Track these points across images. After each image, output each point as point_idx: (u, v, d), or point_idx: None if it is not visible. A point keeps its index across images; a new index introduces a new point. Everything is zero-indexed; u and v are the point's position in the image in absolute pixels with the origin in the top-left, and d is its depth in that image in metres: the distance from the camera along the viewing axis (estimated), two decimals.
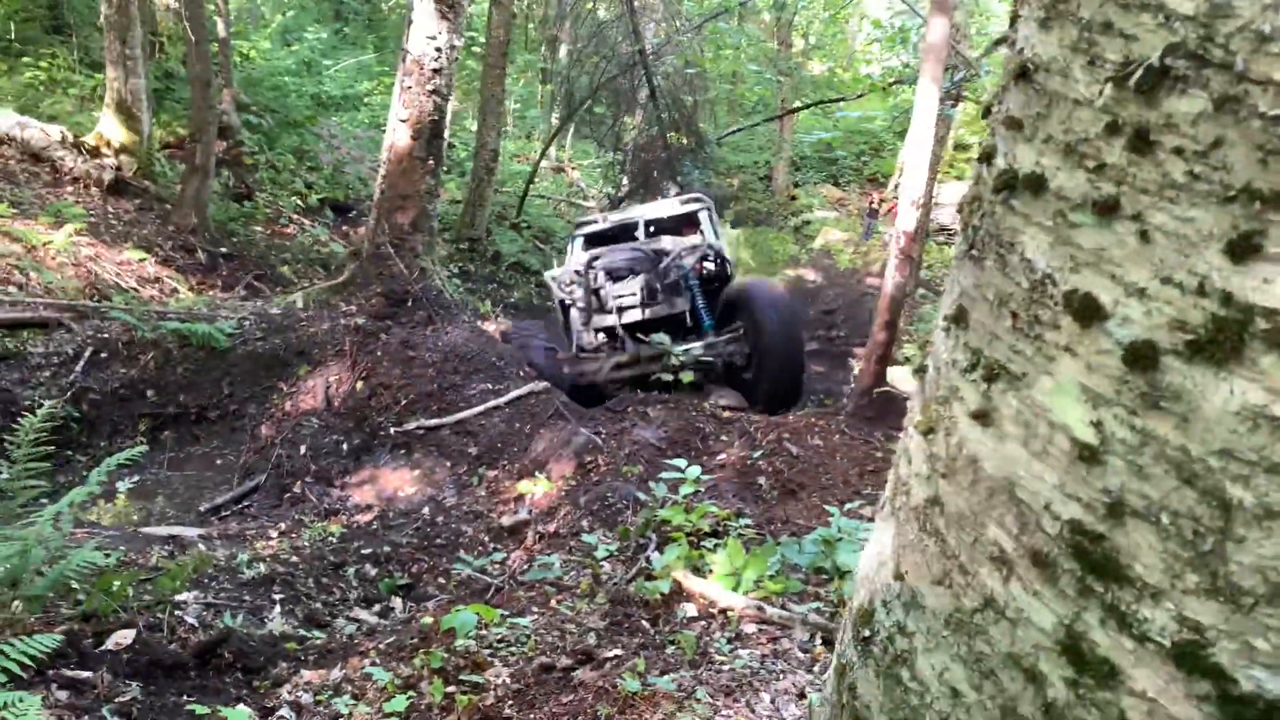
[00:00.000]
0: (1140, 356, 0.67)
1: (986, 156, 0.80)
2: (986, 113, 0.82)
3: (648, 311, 8.57)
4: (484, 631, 4.21)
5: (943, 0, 6.54)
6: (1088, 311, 0.69)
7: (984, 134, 0.82)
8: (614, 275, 8.54)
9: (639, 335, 8.70)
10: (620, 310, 8.50)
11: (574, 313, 8.88)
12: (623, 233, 10.18)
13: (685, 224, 10.39)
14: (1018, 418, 0.75)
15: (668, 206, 10.39)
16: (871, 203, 18.48)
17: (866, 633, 0.90)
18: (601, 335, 8.95)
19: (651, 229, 10.07)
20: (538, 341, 8.31)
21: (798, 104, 17.60)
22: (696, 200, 10.38)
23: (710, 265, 8.86)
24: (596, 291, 8.55)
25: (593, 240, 10.08)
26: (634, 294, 8.45)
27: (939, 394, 0.83)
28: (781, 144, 18.55)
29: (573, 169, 17.31)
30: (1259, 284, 0.61)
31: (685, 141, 14.46)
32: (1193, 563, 0.66)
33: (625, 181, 15.30)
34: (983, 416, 0.77)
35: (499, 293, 13.04)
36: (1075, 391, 0.71)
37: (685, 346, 8.25)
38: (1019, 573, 0.74)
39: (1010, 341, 0.75)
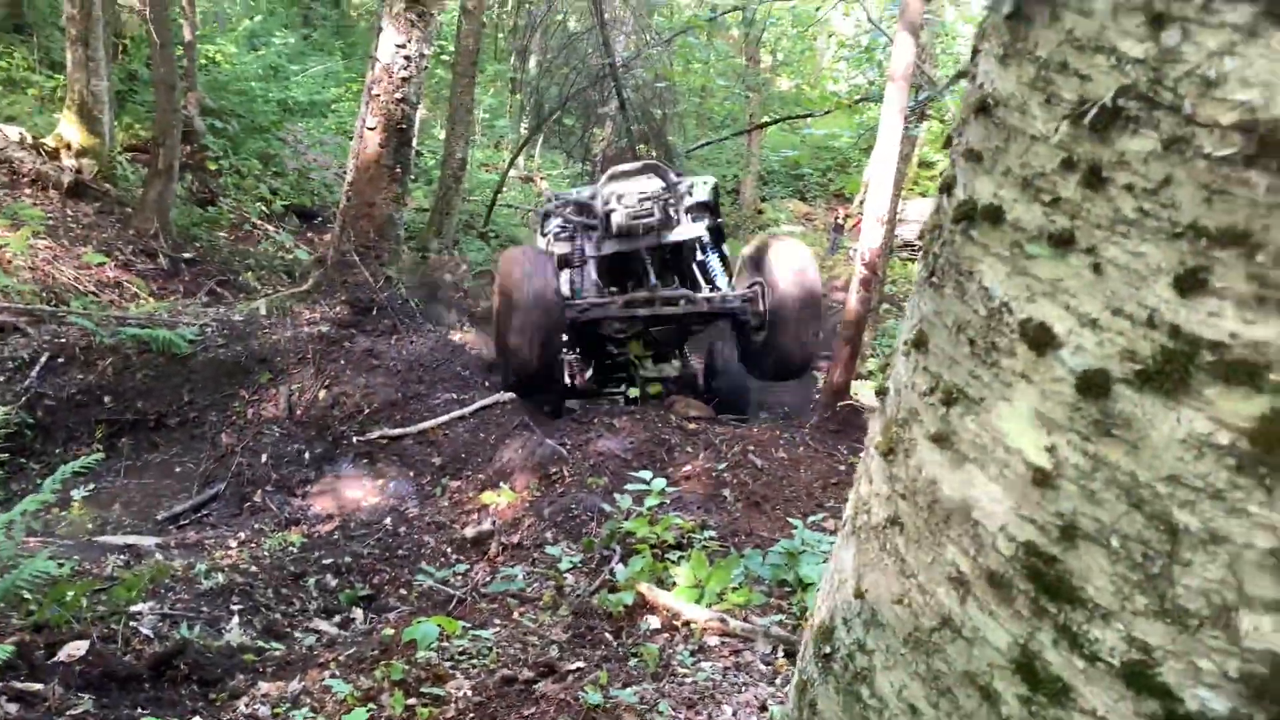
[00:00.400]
0: (1092, 385, 0.69)
1: (947, 187, 0.82)
2: (948, 143, 0.84)
3: (666, 234, 7.91)
4: (445, 643, 4.19)
5: (910, 20, 6.64)
6: (1042, 340, 0.72)
7: (946, 160, 0.84)
8: (623, 195, 7.79)
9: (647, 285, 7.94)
10: (640, 224, 7.73)
11: (576, 246, 8.27)
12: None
13: None
14: (975, 442, 0.77)
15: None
16: (837, 218, 18.65)
17: (827, 650, 0.92)
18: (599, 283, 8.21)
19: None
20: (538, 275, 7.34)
21: (765, 119, 17.74)
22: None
23: (709, 202, 8.39)
24: (608, 215, 7.77)
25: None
26: (650, 208, 7.71)
27: (899, 416, 0.85)
28: (749, 158, 18.68)
29: (541, 179, 17.31)
30: (1205, 317, 0.64)
31: (654, 154, 14.52)
32: (1141, 585, 0.68)
33: None
34: (941, 440, 0.80)
35: (464, 302, 12.97)
36: (1030, 417, 0.73)
37: (703, 295, 7.78)
38: (975, 593, 0.76)
39: (969, 367, 0.77)
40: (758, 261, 7.87)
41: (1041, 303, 0.72)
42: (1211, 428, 0.64)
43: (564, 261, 8.43)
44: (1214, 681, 0.65)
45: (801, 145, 17.10)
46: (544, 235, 9.43)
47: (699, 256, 8.46)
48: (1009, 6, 0.75)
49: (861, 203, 18.73)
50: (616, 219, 7.67)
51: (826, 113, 14.19)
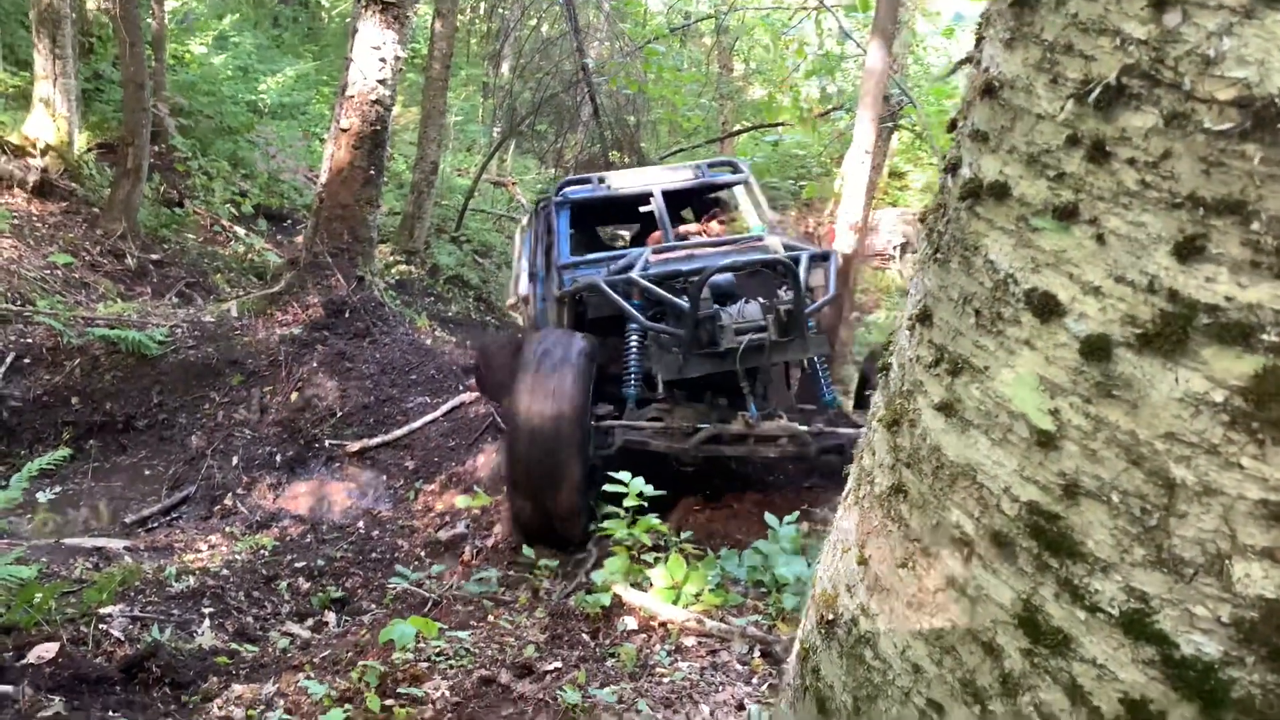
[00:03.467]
0: (1095, 349, 0.73)
1: (952, 167, 0.86)
2: (952, 126, 0.88)
3: (786, 355, 5.75)
4: (422, 645, 4.17)
5: (884, 28, 6.73)
6: (1047, 308, 0.75)
7: (946, 147, 0.88)
8: (722, 294, 5.64)
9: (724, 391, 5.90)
10: (743, 342, 5.37)
11: (631, 340, 5.78)
12: (624, 205, 7.61)
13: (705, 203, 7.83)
14: (980, 408, 0.81)
15: (686, 175, 7.35)
16: (807, 228, 18.79)
17: (830, 616, 0.95)
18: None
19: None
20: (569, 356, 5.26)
21: (736, 128, 17.85)
22: (730, 168, 7.60)
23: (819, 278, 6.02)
24: (710, 318, 5.44)
25: (581, 213, 7.42)
26: (759, 319, 5.46)
27: (903, 388, 0.89)
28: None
29: (513, 184, 17.30)
30: (1202, 282, 0.68)
31: (627, 160, 14.56)
32: (1139, 537, 0.72)
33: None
34: (946, 408, 0.83)
35: (436, 306, 12.94)
36: (1034, 382, 0.77)
37: (812, 429, 5.58)
38: (979, 552, 0.80)
39: (974, 337, 0.81)
40: (869, 380, 5.96)
41: (1046, 273, 0.76)
42: (1207, 386, 0.68)
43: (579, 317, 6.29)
44: (1208, 627, 0.69)
45: (773, 153, 17.20)
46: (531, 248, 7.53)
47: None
48: None
49: (832, 211, 18.90)
50: (725, 340, 5.40)
51: (781, 124, 14.30)
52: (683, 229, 7.34)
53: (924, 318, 0.87)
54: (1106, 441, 0.74)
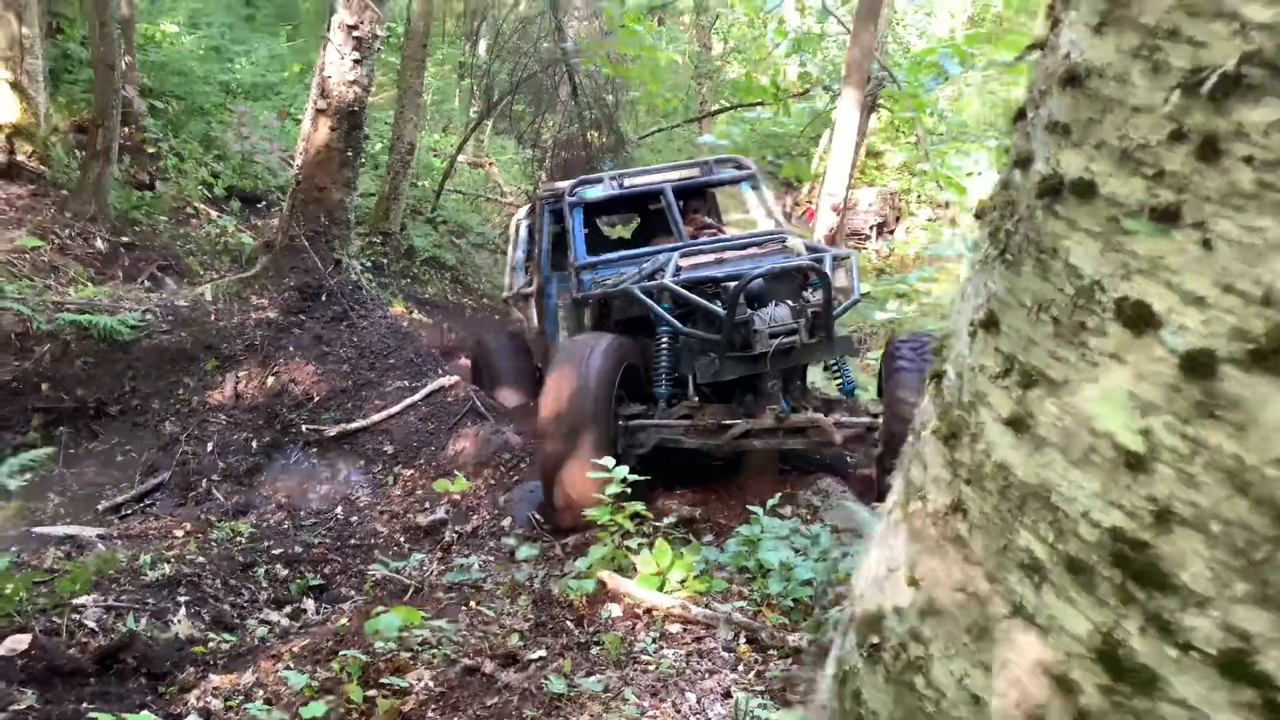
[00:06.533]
0: (1196, 365, 0.67)
1: (1022, 161, 0.79)
2: (1020, 116, 0.81)
3: (805, 355, 5.96)
4: (405, 633, 4.11)
5: (870, 8, 6.67)
6: (1140, 319, 0.69)
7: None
8: (753, 297, 5.73)
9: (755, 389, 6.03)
10: (775, 345, 5.60)
11: (662, 343, 5.96)
12: (636, 205, 7.80)
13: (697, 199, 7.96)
14: (1056, 425, 0.74)
15: (694, 172, 7.50)
16: (785, 207, 18.77)
17: (875, 639, 0.89)
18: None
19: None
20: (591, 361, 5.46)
21: (714, 107, 17.76)
22: (738, 165, 7.70)
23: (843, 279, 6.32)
24: (745, 322, 5.62)
25: (595, 213, 7.49)
26: (790, 322, 5.67)
27: (963, 399, 0.83)
28: (696, 146, 18.69)
29: (490, 164, 17.12)
30: None
31: (605, 140, 14.44)
32: (1242, 571, 0.66)
33: (543, 178, 15.19)
34: (1016, 423, 0.77)
35: (413, 288, 12.80)
36: (1122, 399, 0.71)
37: (835, 418, 5.83)
38: (1052, 579, 0.74)
39: (1050, 348, 0.75)
40: (887, 368, 6.09)
41: (1139, 280, 0.70)
42: None
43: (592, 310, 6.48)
44: None
45: (751, 133, 17.14)
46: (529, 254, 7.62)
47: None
48: None
49: (811, 190, 18.89)
50: (759, 344, 5.60)
51: (759, 104, 14.21)
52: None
53: (989, 324, 0.81)
54: (1206, 466, 0.68)
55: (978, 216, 0.84)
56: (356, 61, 7.76)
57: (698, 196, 7.90)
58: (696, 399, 5.99)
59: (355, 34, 7.71)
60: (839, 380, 6.44)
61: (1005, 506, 0.78)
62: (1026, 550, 0.77)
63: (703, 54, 18.63)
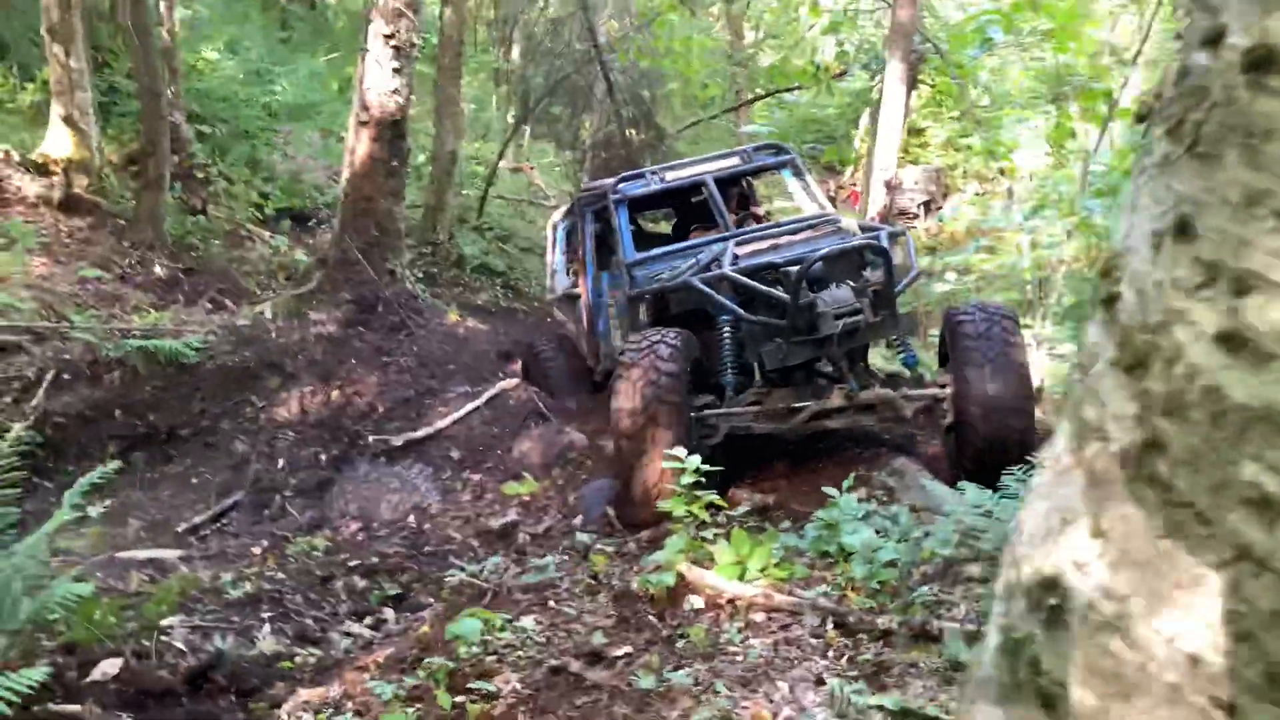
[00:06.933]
0: None
1: (1210, 39, 0.71)
2: None
3: (869, 334, 6.02)
4: (488, 638, 4.09)
5: None
6: None
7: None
8: (814, 280, 5.72)
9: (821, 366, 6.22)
10: (841, 326, 5.57)
11: (725, 332, 5.98)
12: (676, 197, 7.80)
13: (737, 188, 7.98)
14: None
15: (734, 162, 7.53)
16: (828, 191, 18.56)
17: (1054, 601, 0.81)
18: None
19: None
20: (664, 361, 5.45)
21: (749, 96, 17.60)
22: (776, 151, 7.74)
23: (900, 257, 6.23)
24: (809, 305, 5.61)
25: (643, 207, 7.45)
26: (853, 303, 5.65)
27: (1150, 321, 0.74)
28: (735, 135, 18.56)
29: (531, 168, 17.15)
30: None
31: (644, 137, 14.36)
32: None
33: (585, 179, 15.18)
34: (1228, 339, 0.68)
35: (465, 296, 12.86)
36: None
37: (901, 393, 5.88)
38: None
39: (1271, 245, 0.66)
40: (949, 338, 6.07)
41: None
42: None
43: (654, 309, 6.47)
44: None
45: (789, 117, 16.95)
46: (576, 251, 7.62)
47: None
48: None
49: (854, 173, 18.66)
50: (825, 326, 5.59)
51: (798, 87, 14.02)
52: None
53: (1181, 229, 0.72)
54: None
55: (1141, 119, 0.75)
56: (396, 70, 7.79)
57: (737, 185, 7.92)
58: (764, 386, 6.00)
59: (393, 43, 7.74)
60: (901, 354, 6.40)
61: (1219, 436, 0.70)
62: (1253, 484, 0.68)
63: (735, 43, 18.49)
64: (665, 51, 14.00)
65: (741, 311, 5.76)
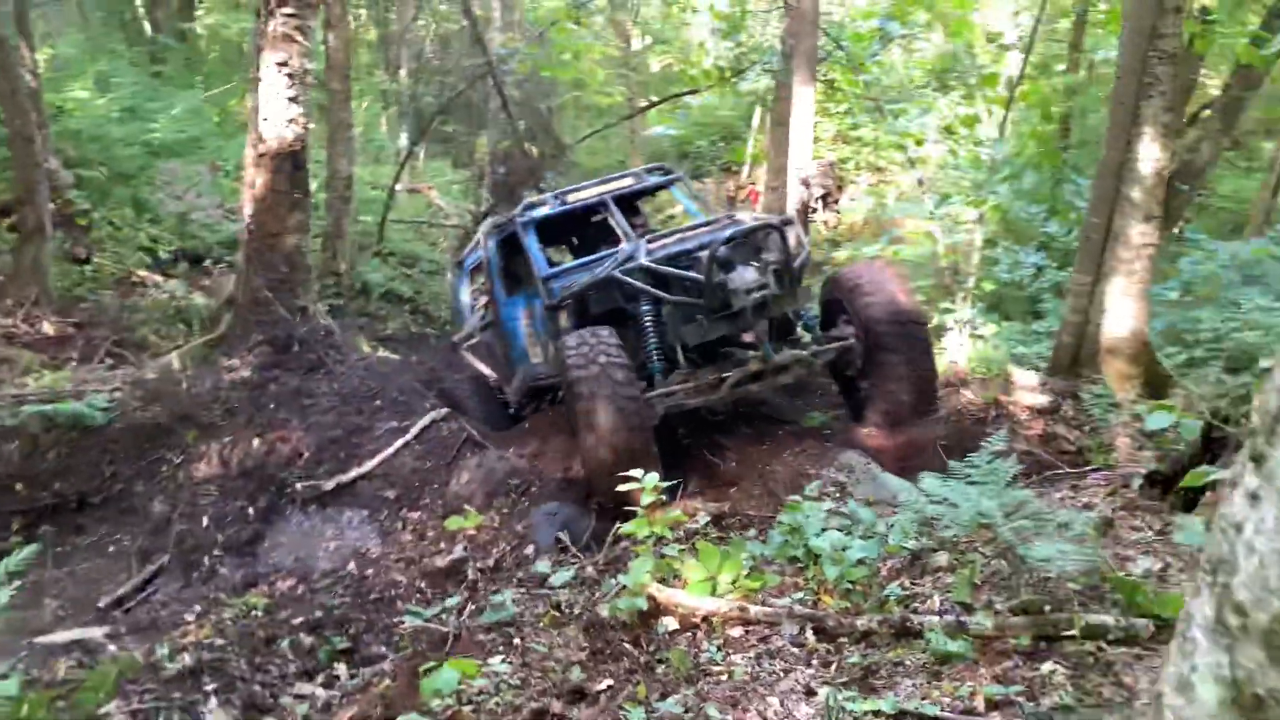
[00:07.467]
0: None
1: None
2: None
3: (776, 306, 6.40)
4: (460, 686, 3.89)
5: None
6: None
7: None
8: (725, 264, 6.22)
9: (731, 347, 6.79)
10: (752, 300, 6.13)
11: (646, 322, 6.47)
12: (580, 218, 8.06)
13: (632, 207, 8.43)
14: None
15: (629, 182, 8.00)
16: (728, 192, 18.70)
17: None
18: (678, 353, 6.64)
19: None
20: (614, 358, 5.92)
21: (643, 103, 17.62)
22: (664, 171, 8.41)
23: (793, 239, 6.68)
24: (721, 284, 6.11)
25: (546, 230, 7.69)
26: (760, 279, 6.18)
27: None
28: (634, 141, 18.56)
29: (429, 189, 16.79)
30: None
31: (543, 149, 14.21)
32: None
33: (486, 196, 14.97)
34: None
35: (374, 326, 12.51)
36: None
37: (809, 350, 6.55)
38: None
39: None
40: (839, 295, 6.80)
41: None
42: None
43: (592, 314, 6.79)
44: None
45: (689, 121, 17.02)
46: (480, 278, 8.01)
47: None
48: None
49: (751, 172, 18.82)
50: (737, 301, 6.16)
51: (693, 91, 14.11)
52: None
53: None
54: None
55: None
56: (292, 99, 7.45)
57: (631, 206, 8.45)
58: (689, 369, 6.49)
59: (285, 70, 7.40)
60: (803, 321, 7.05)
61: None
62: None
63: (624, 49, 18.46)
64: (558, 61, 13.90)
65: (668, 295, 6.31)
